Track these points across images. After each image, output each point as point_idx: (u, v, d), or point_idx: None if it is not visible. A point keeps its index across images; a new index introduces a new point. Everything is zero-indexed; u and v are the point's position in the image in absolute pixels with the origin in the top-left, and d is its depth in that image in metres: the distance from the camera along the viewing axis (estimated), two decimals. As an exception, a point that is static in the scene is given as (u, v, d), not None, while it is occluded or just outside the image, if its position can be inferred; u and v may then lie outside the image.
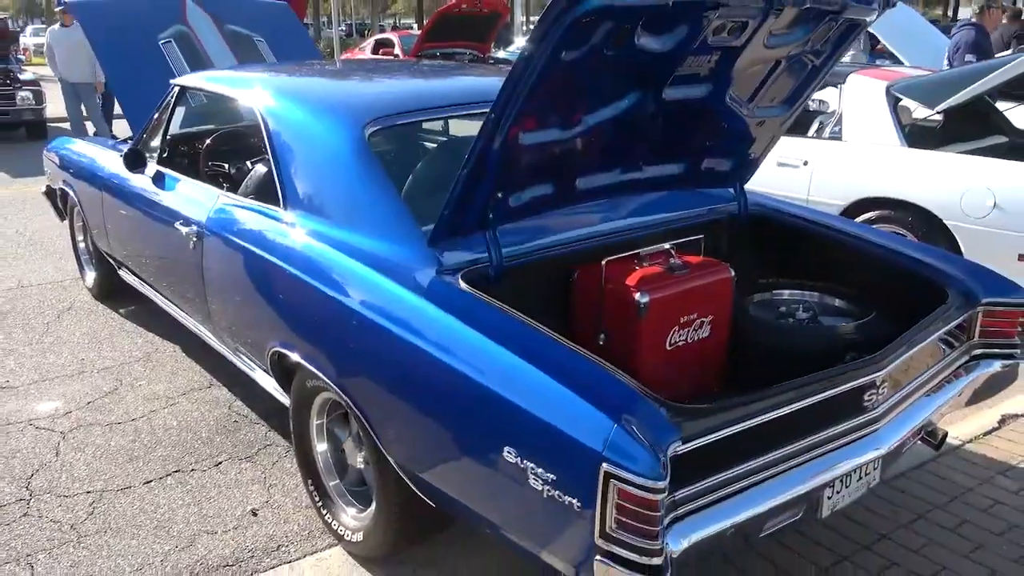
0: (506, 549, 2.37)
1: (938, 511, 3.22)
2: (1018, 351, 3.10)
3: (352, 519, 3.05)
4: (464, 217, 2.70)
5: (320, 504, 3.19)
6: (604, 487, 1.94)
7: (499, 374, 2.23)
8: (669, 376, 2.95)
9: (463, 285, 2.59)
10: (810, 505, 2.44)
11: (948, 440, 3.70)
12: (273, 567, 3.03)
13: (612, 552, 1.97)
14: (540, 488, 2.10)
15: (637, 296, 2.79)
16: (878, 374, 2.46)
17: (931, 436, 3.07)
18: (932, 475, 3.47)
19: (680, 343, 2.94)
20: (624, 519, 1.93)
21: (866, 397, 2.47)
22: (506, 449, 2.17)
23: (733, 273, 3.05)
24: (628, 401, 2.05)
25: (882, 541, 3.04)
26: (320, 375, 2.89)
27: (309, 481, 3.24)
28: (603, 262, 2.90)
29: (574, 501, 2.02)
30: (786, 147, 5.50)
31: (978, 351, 3.07)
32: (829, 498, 2.49)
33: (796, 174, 5.73)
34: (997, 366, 3.05)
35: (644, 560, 1.93)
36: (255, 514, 3.32)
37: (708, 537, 2.08)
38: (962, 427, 3.90)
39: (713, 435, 2.10)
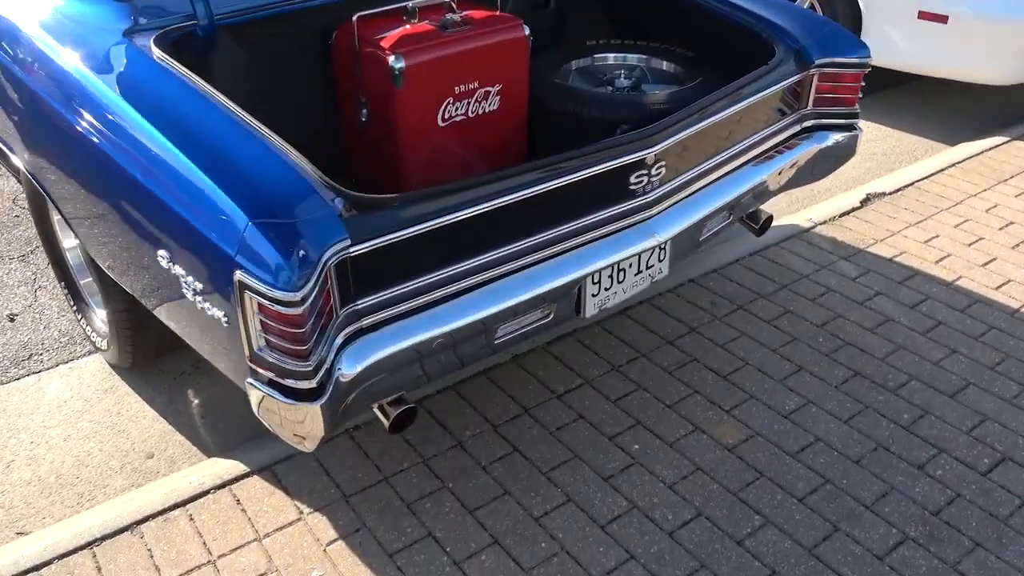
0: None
1: (762, 301, 2.95)
2: (857, 122, 2.68)
3: (102, 323, 2.71)
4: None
5: (75, 307, 2.84)
6: (241, 298, 1.56)
7: (152, 166, 1.77)
8: (446, 158, 2.52)
9: (155, 51, 2.06)
10: (565, 304, 2.11)
11: (798, 223, 3.40)
12: (19, 378, 2.72)
13: (261, 375, 1.64)
14: (193, 299, 1.73)
15: (391, 60, 2.29)
16: (647, 152, 2.05)
17: (752, 220, 2.74)
18: (769, 261, 3.17)
19: (458, 118, 2.48)
20: (270, 337, 1.58)
21: (633, 180, 2.07)
22: (159, 253, 1.77)
23: (528, 32, 2.53)
24: (283, 194, 1.62)
25: (691, 335, 2.78)
26: (19, 165, 2.42)
27: (63, 283, 2.87)
28: (354, 17, 2.36)
29: (220, 315, 1.65)
30: None
31: (811, 121, 2.65)
32: (594, 295, 2.17)
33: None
34: (833, 139, 2.65)
35: (294, 384, 1.60)
36: (12, 320, 2.97)
37: (400, 353, 1.75)
38: (820, 208, 3.57)
39: (403, 232, 1.70)
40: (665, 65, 2.91)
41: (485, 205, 1.80)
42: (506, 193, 1.83)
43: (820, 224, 3.43)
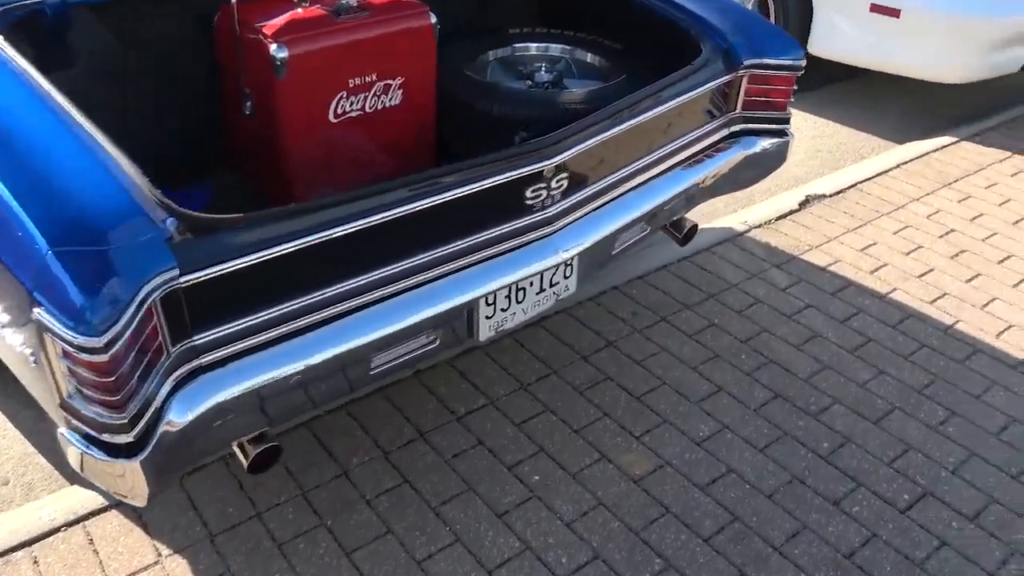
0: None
1: (686, 312, 2.79)
2: (787, 127, 2.51)
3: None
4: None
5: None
6: (41, 340, 1.35)
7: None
8: (340, 157, 2.30)
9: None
10: (453, 329, 1.92)
11: (732, 226, 3.24)
12: None
13: (73, 424, 1.43)
14: (2, 331, 1.51)
15: (273, 49, 2.06)
16: (544, 164, 1.85)
17: (675, 228, 2.56)
18: (698, 268, 3.01)
19: (353, 114, 2.26)
20: (79, 384, 1.37)
21: (529, 194, 1.88)
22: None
23: (434, 19, 2.31)
24: (96, 214, 1.39)
25: (607, 350, 2.60)
26: None
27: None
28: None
29: (28, 353, 1.44)
30: None
31: (739, 126, 2.47)
32: (489, 317, 1.98)
33: None
34: (761, 145, 2.48)
35: (109, 437, 1.40)
36: None
37: (248, 394, 1.55)
38: (756, 210, 3.41)
39: (249, 257, 1.50)
40: (590, 58, 2.71)
41: (347, 227, 1.59)
42: (372, 213, 1.62)
43: (755, 228, 3.27)
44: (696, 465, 2.22)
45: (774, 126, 2.47)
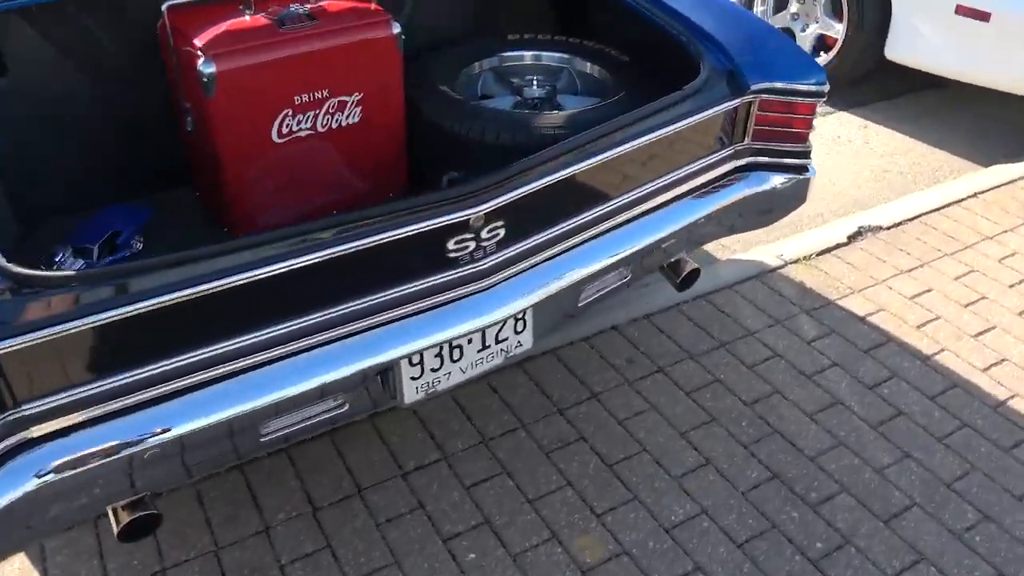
0: None
1: (689, 363, 2.46)
2: (807, 162, 2.14)
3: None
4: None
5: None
6: None
7: None
8: (290, 180, 2.09)
9: None
10: (366, 392, 1.69)
11: (764, 259, 2.88)
12: None
13: None
14: None
15: (200, 64, 1.85)
16: (469, 213, 1.58)
17: (673, 270, 2.24)
18: (715, 309, 2.67)
19: (302, 133, 2.04)
20: None
21: (453, 246, 1.61)
22: None
23: (398, 30, 2.06)
24: None
25: (589, 403, 2.31)
26: None
27: None
28: (164, 6, 1.92)
29: None
30: None
31: (748, 159, 2.13)
32: (415, 378, 1.74)
33: None
34: (771, 183, 2.13)
35: None
36: None
37: (90, 471, 1.36)
38: (797, 241, 3.02)
39: (89, 318, 1.30)
40: (591, 69, 2.40)
41: (209, 286, 1.38)
42: (242, 270, 1.40)
43: (791, 263, 2.89)
44: (659, 558, 1.92)
45: (790, 160, 2.12)
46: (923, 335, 2.57)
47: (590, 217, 1.85)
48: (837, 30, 3.96)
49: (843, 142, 3.82)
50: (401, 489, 2.07)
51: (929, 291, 2.76)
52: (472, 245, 1.63)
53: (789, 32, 4.23)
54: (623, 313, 2.62)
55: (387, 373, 1.70)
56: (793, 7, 4.16)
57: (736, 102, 2.00)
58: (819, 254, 2.94)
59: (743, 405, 2.32)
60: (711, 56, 2.03)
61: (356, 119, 2.11)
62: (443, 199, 1.56)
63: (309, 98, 2.01)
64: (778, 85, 2.00)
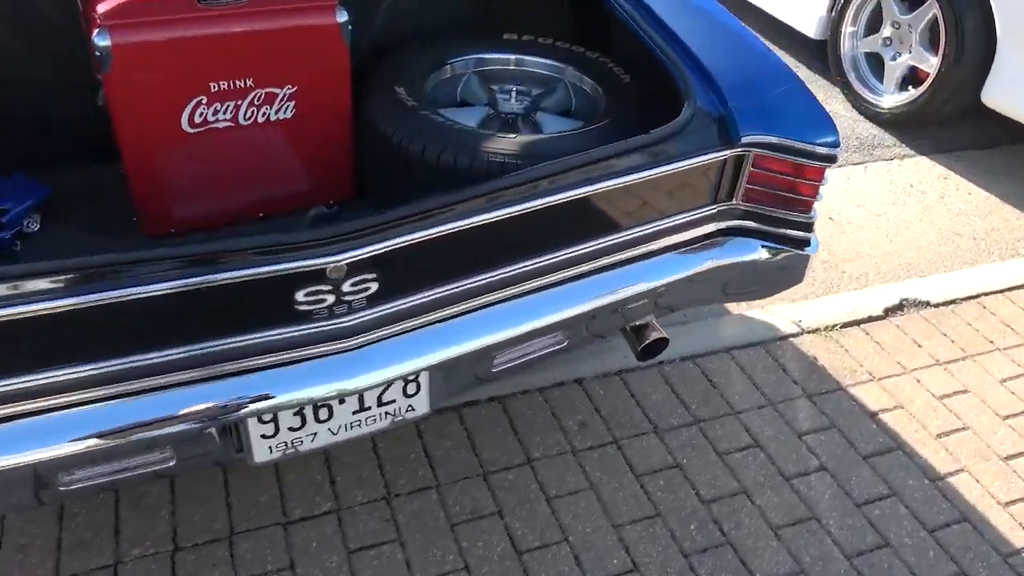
0: None
1: (651, 438, 2.11)
2: (809, 235, 1.76)
3: None
4: None
5: None
6: None
7: None
8: (205, 176, 1.85)
9: None
10: (203, 446, 1.44)
11: (777, 323, 2.50)
12: None
13: None
14: None
15: (95, 35, 1.62)
16: (325, 262, 1.29)
17: (636, 335, 1.89)
18: (702, 376, 2.30)
19: (219, 124, 1.79)
20: None
21: (304, 298, 1.33)
22: None
23: (344, 18, 1.78)
24: None
25: (518, 470, 2.00)
26: None
27: None
28: (72, -34, 1.70)
29: None
30: None
31: (734, 222, 1.76)
32: (268, 436, 1.48)
33: None
34: (758, 253, 1.76)
35: None
36: None
37: None
38: (823, 306, 2.61)
39: None
40: (587, 85, 2.07)
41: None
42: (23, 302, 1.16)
43: (808, 332, 2.49)
44: None
45: (786, 231, 1.74)
46: (942, 447, 2.15)
47: (506, 275, 1.54)
48: (931, 64, 3.45)
49: (915, 192, 3.34)
50: (277, 541, 1.82)
51: (964, 392, 2.32)
52: (331, 299, 1.34)
53: (877, 58, 3.73)
54: (592, 365, 2.30)
55: (228, 429, 1.44)
56: (886, 31, 3.66)
57: (722, 155, 1.64)
58: (845, 325, 2.53)
59: (699, 502, 1.97)
60: (701, 95, 1.66)
61: (289, 114, 1.85)
62: (293, 242, 1.28)
63: (229, 86, 1.76)
64: (777, 141, 1.63)
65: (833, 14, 3.80)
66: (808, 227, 1.74)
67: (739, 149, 1.64)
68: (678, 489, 2.00)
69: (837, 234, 3.05)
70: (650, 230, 1.69)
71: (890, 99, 3.66)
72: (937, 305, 2.64)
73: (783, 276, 1.81)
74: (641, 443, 2.11)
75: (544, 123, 2.02)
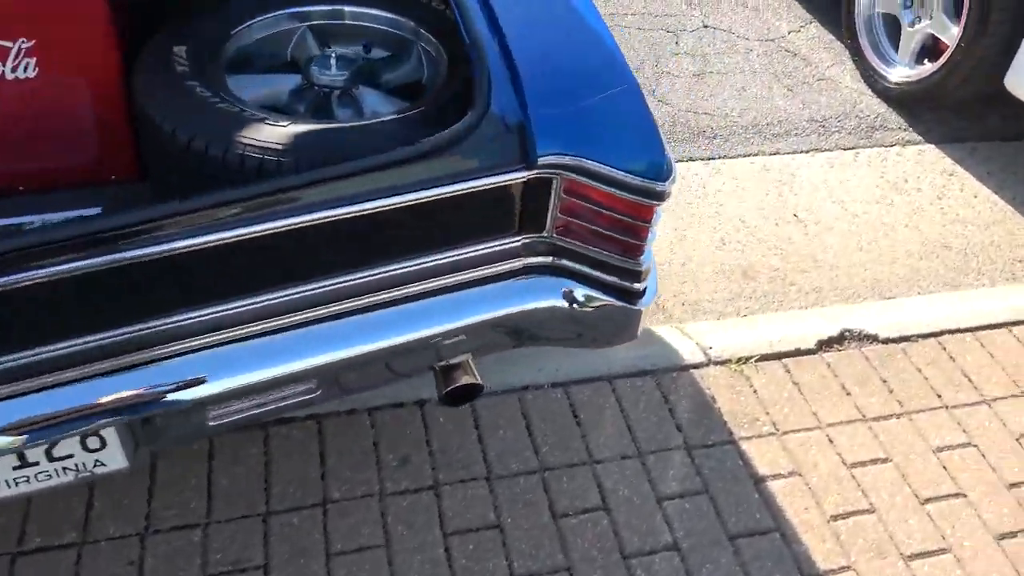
0: None
1: (478, 489, 1.77)
2: (640, 286, 1.36)
3: None
4: None
5: None
6: None
7: None
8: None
9: None
10: None
11: (684, 351, 2.12)
12: None
13: None
14: None
15: None
16: None
17: (444, 377, 1.54)
18: (566, 408, 1.94)
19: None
20: None
21: None
22: None
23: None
24: None
25: (307, 512, 1.70)
26: None
27: None
28: None
29: None
30: None
31: (544, 259, 1.37)
32: None
33: None
34: (560, 299, 1.37)
35: None
36: None
37: None
38: (738, 335, 2.19)
39: None
40: (440, 52, 1.66)
41: None
42: None
43: (716, 363, 2.10)
44: None
45: (609, 278, 1.34)
46: (832, 535, 1.77)
47: (227, 313, 1.20)
48: (952, 34, 2.88)
49: (909, 189, 2.83)
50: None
51: (885, 461, 1.91)
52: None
53: (896, 23, 3.16)
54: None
55: None
56: (909, -11, 3.09)
57: (514, 177, 1.24)
58: (764, 358, 2.12)
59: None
60: (499, 96, 1.25)
61: (30, 73, 1.51)
62: None
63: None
64: (582, 165, 1.22)
65: (850, -37, 3.23)
66: (635, 276, 1.34)
67: (537, 172, 1.24)
68: (488, 558, 1.67)
69: (798, 235, 2.59)
70: (432, 263, 1.32)
71: (900, 72, 3.10)
72: (886, 341, 2.20)
73: (610, 330, 1.42)
74: (465, 492, 1.78)
75: (363, 100, 1.63)
